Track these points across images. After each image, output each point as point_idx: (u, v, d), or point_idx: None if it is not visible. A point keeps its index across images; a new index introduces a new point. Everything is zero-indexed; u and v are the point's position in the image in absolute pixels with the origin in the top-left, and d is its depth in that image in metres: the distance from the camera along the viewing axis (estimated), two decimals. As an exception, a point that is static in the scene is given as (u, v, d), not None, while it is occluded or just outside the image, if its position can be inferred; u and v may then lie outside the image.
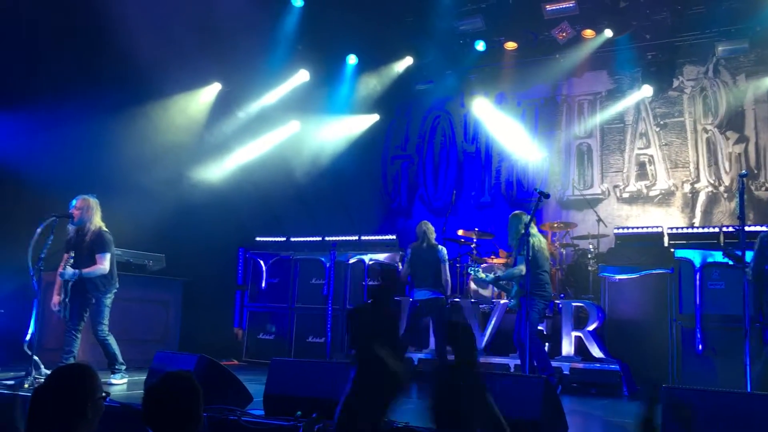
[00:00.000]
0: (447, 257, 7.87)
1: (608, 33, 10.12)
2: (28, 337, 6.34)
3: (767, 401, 3.87)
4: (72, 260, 6.64)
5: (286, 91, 11.66)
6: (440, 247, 7.84)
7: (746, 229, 5.99)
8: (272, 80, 11.39)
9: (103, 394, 2.72)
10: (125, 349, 7.22)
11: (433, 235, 7.86)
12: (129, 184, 8.93)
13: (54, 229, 6.45)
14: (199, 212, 10.29)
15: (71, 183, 7.59)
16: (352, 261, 9.76)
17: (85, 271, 6.57)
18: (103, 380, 2.88)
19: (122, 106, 9.13)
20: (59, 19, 8.42)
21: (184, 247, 9.78)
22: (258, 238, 10.72)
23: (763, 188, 9.60)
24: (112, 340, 6.74)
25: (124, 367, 6.76)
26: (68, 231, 6.75)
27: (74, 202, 6.68)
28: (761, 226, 7.67)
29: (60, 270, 6.61)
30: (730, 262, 6.22)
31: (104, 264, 6.63)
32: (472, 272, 7.79)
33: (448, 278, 7.79)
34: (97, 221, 6.72)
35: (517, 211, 7.33)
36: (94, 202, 6.73)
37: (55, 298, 6.68)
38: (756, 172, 9.72)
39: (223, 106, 11.28)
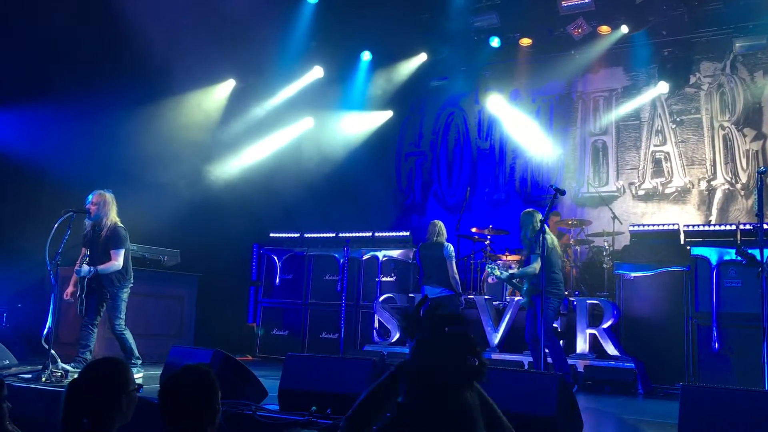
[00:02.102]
0: (453, 254, 7.91)
1: (624, 29, 10.04)
2: (45, 332, 6.40)
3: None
4: (87, 257, 6.70)
5: (300, 87, 11.69)
6: (447, 244, 7.88)
7: (765, 226, 5.95)
8: (286, 77, 11.42)
9: (136, 386, 2.78)
10: (141, 344, 7.26)
11: (443, 236, 7.93)
12: (145, 179, 9.00)
13: (71, 224, 6.51)
14: (213, 208, 10.35)
15: (88, 178, 7.67)
16: (365, 257, 9.77)
17: (101, 267, 6.61)
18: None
19: (139, 103, 9.21)
20: (77, 17, 8.48)
21: (199, 242, 9.84)
22: (272, 234, 10.77)
23: (781, 186, 9.48)
24: (129, 335, 6.78)
25: (140, 362, 6.81)
26: (85, 226, 6.80)
27: (90, 197, 6.71)
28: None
29: (76, 267, 6.66)
30: (744, 262, 6.16)
31: (118, 260, 6.67)
32: (489, 269, 7.77)
33: (456, 275, 7.80)
34: (112, 216, 6.75)
35: (529, 209, 7.30)
36: (110, 197, 6.77)
37: (69, 289, 6.75)
38: (774, 169, 9.60)
39: (237, 103, 11.34)
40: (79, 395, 2.65)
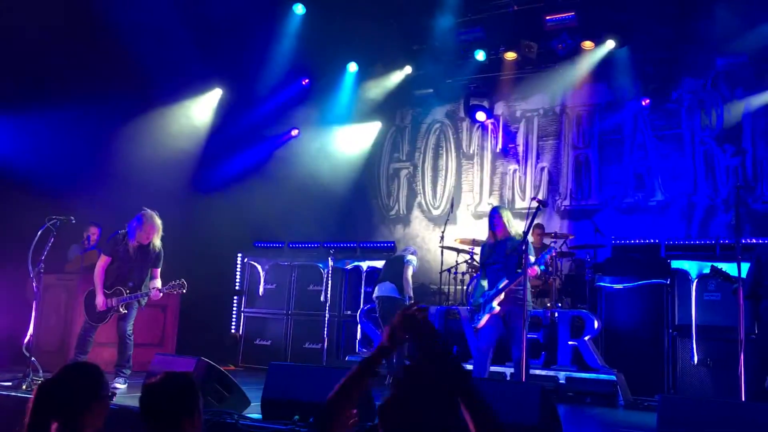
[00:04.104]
0: (414, 262, 8.22)
1: (608, 45, 10.19)
2: (26, 339, 6.36)
3: (762, 410, 3.91)
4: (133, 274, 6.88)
5: (286, 97, 11.73)
6: (412, 256, 8.24)
7: (742, 241, 6.06)
8: (273, 87, 11.45)
9: (110, 393, 2.76)
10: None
11: (411, 255, 8.29)
12: (130, 188, 8.97)
13: (54, 232, 6.51)
14: (198, 217, 10.33)
15: (73, 186, 7.64)
16: (349, 267, 9.80)
17: (165, 287, 6.93)
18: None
19: (125, 112, 9.21)
20: (67, 27, 8.47)
21: (183, 251, 9.79)
22: (256, 244, 10.77)
23: (760, 201, 9.64)
24: (132, 341, 6.91)
25: (129, 372, 6.80)
26: (128, 246, 6.85)
27: (144, 220, 6.85)
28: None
29: (157, 292, 6.87)
30: (718, 279, 6.31)
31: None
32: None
33: (409, 279, 8.12)
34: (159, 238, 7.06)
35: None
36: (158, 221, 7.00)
37: (112, 302, 6.76)
38: (753, 185, 9.77)
39: (223, 112, 11.34)
40: (48, 399, 2.60)
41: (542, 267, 6.72)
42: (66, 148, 8.46)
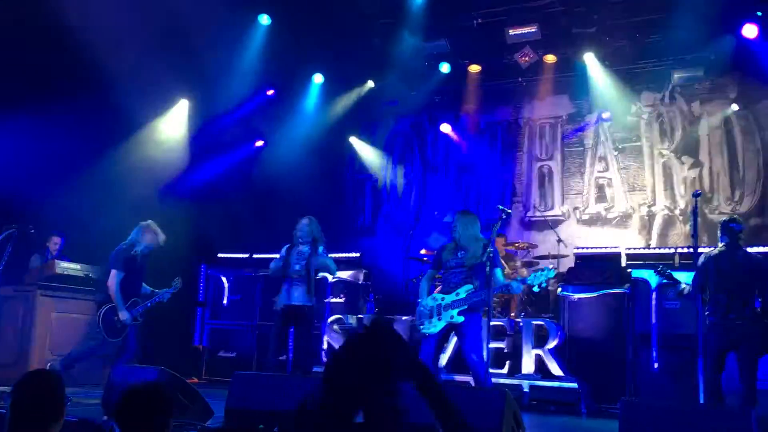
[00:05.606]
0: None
1: (569, 58, 10.39)
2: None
3: (716, 413, 4.00)
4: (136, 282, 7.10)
5: (251, 108, 11.68)
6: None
7: (699, 249, 6.22)
8: (238, 97, 11.39)
9: (66, 400, 2.72)
10: (83, 366, 7.11)
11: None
12: (92, 198, 8.83)
13: (12, 242, 6.39)
14: (160, 228, 10.17)
15: (35, 197, 7.51)
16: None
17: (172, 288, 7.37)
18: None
19: (87, 122, 9.03)
20: (29, 33, 8.33)
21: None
22: (220, 255, 10.65)
23: (716, 212, 9.88)
24: None
25: None
26: (138, 257, 7.09)
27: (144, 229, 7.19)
28: (714, 247, 7.89)
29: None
30: (664, 281, 6.49)
31: None
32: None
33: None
34: None
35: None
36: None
37: (127, 314, 6.92)
38: (710, 195, 10.02)
39: (188, 123, 11.24)
40: (21, 399, 2.58)
41: (535, 288, 6.44)
42: (26, 156, 8.29)
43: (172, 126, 11.11)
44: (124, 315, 6.82)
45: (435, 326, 6.00)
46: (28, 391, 2.60)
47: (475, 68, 11.11)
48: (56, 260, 8.39)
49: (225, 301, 10.22)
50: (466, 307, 5.92)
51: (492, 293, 5.95)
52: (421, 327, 6.09)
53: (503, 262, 7.16)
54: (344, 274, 9.61)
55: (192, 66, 10.07)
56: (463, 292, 5.97)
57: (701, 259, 6.03)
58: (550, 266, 6.48)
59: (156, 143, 10.70)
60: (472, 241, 6.11)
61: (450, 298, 6.01)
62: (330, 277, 9.62)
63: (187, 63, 9.93)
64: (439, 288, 6.36)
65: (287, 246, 7.25)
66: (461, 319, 5.90)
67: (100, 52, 8.55)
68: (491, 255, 5.80)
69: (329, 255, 9.96)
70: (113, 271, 6.91)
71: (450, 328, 6.00)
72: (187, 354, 10.31)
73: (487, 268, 5.82)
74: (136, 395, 2.58)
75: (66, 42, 8.48)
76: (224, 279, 10.31)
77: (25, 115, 8.19)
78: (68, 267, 8.40)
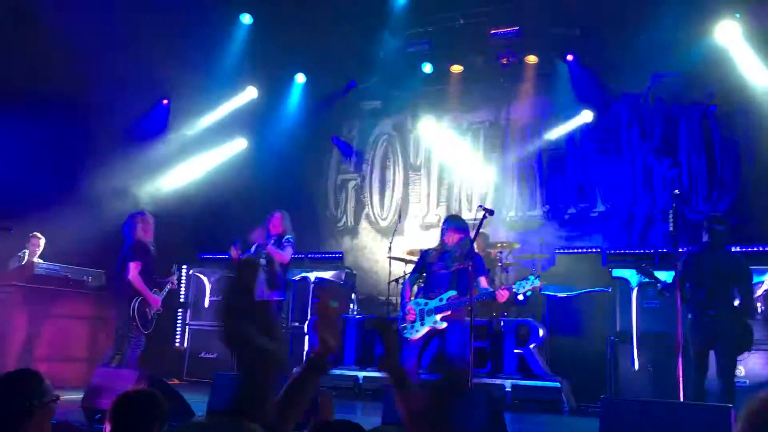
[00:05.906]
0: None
1: (550, 59, 10.45)
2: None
3: (695, 410, 4.04)
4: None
5: (233, 107, 11.63)
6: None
7: (679, 250, 6.28)
8: (220, 96, 11.34)
9: (54, 398, 2.67)
10: (63, 368, 7.06)
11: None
12: (70, 197, 8.74)
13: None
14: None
15: (18, 198, 7.43)
16: (297, 278, 9.73)
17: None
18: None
19: (63, 121, 8.94)
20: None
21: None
22: (202, 256, 10.59)
23: (695, 212, 9.98)
24: None
25: None
26: (149, 246, 7.32)
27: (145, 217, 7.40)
28: (690, 247, 7.97)
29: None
30: (645, 280, 6.52)
31: None
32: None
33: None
34: None
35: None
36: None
37: (157, 300, 7.30)
38: (689, 196, 10.12)
39: (169, 122, 11.17)
40: None
41: (520, 297, 6.42)
42: (7, 156, 8.20)
43: (153, 126, 11.03)
44: (153, 301, 7.13)
45: (417, 331, 5.97)
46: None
47: (457, 68, 11.14)
48: (35, 261, 8.31)
49: (206, 302, 10.16)
50: (449, 312, 5.89)
51: (475, 300, 5.82)
52: (404, 332, 6.02)
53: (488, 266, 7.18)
54: (327, 274, 9.61)
55: (173, 65, 10.00)
56: (446, 297, 5.95)
57: (681, 258, 6.09)
58: (536, 274, 6.50)
59: (136, 143, 10.62)
60: (457, 246, 6.09)
61: (433, 303, 5.99)
62: (312, 277, 9.63)
63: (168, 62, 9.87)
64: (421, 293, 6.31)
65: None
66: (444, 324, 5.88)
67: (77, 51, 8.46)
68: (469, 250, 5.82)
69: (310, 255, 10.00)
70: (131, 264, 7.04)
71: (432, 333, 5.97)
72: (169, 355, 10.24)
73: (469, 267, 5.81)
74: (130, 402, 2.57)
75: (43, 41, 8.39)
76: (206, 279, 10.26)
77: (3, 114, 8.11)
78: (47, 268, 8.32)
